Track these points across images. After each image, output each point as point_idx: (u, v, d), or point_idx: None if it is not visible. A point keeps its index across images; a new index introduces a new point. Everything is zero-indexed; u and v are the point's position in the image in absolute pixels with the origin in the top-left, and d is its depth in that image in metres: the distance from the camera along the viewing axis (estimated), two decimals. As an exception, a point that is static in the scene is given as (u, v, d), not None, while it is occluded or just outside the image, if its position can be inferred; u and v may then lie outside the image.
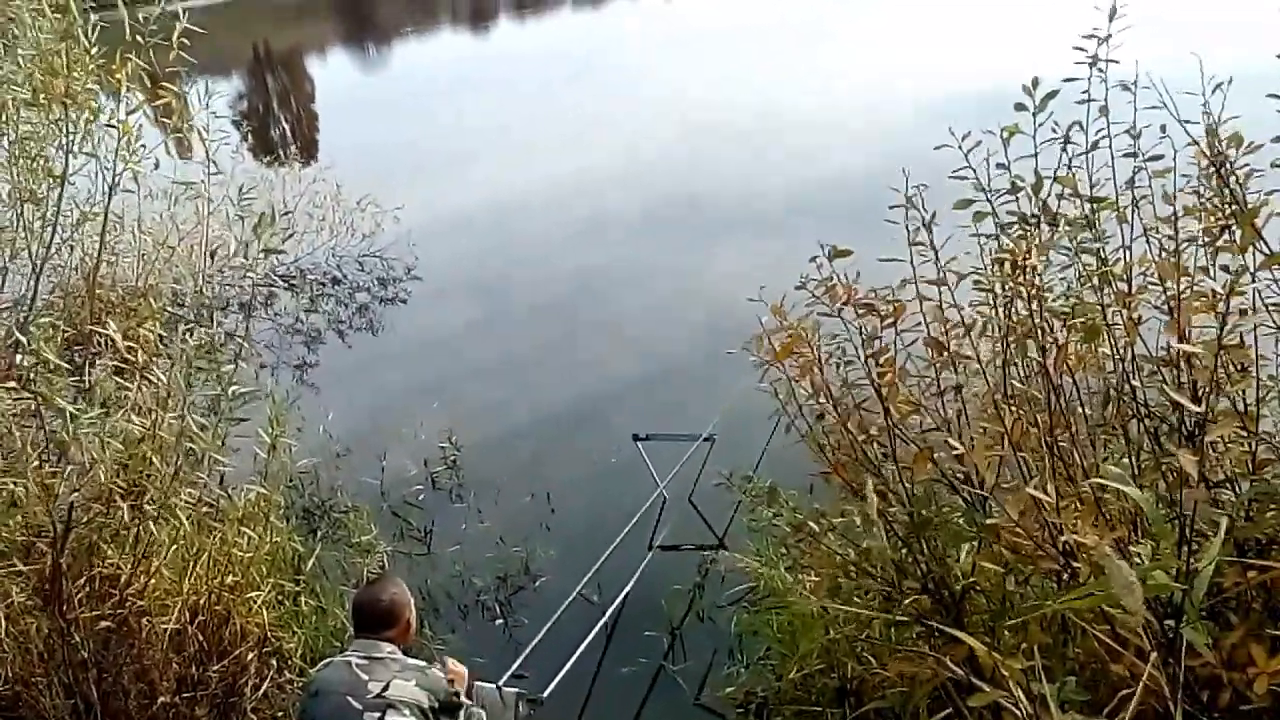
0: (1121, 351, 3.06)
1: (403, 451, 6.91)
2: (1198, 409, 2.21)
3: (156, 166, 5.19)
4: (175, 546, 4.36)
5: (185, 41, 4.68)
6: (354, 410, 7.66)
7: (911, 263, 3.10)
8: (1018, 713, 2.30)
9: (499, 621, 5.26)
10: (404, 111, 19.62)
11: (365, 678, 2.87)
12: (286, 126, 20.70)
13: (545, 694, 4.00)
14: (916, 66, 16.62)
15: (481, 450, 6.87)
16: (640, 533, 5.72)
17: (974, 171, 2.98)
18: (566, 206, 12.31)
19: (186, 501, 4.30)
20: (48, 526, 3.93)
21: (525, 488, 6.32)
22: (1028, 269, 2.56)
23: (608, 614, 4.81)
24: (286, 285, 10.31)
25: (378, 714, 2.80)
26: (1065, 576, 2.72)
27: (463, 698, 3.17)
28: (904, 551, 3.20)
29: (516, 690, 3.81)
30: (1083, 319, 2.82)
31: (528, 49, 26.10)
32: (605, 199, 12.61)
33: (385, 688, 2.84)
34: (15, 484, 3.89)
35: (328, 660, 3.09)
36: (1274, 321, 2.62)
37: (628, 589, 5.02)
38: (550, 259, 10.77)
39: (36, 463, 4.00)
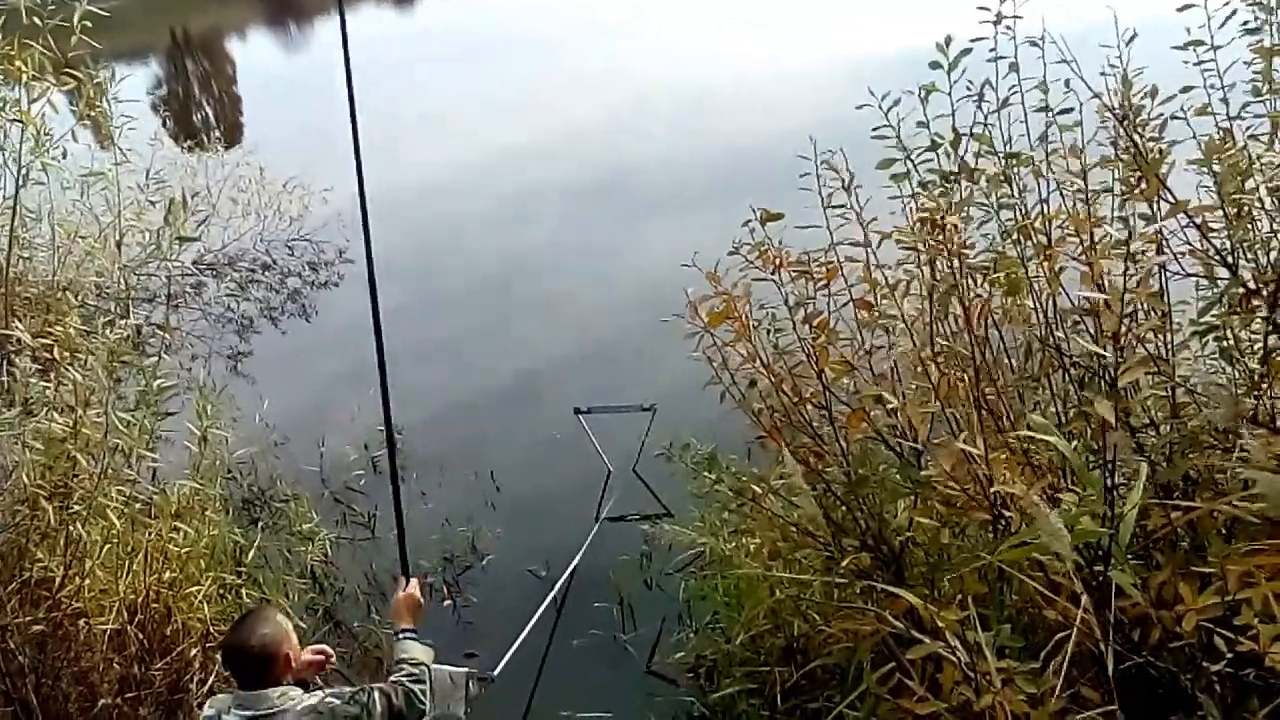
0: (1044, 304, 3.12)
1: (342, 436, 6.82)
2: (1108, 355, 2.25)
3: (65, 156, 5.01)
4: (108, 545, 4.26)
5: (88, 24, 4.52)
6: (290, 397, 7.54)
7: (828, 227, 3.11)
8: (956, 660, 2.35)
9: (446, 603, 5.23)
10: (329, 92, 19.20)
11: None
12: (208, 110, 20.21)
13: (496, 671, 4.00)
14: (839, 38, 16.65)
15: (423, 432, 6.81)
16: (586, 506, 5.74)
17: (894, 130, 2.99)
18: (497, 184, 12.18)
19: (117, 499, 4.20)
20: (-28, 533, 3.82)
21: (469, 467, 6.29)
22: (947, 227, 2.59)
23: (556, 588, 4.82)
24: (214, 273, 10.08)
25: None
26: (998, 526, 2.78)
27: (373, 694, 2.77)
28: (843, 510, 3.25)
29: (466, 670, 3.80)
30: (1005, 273, 2.86)
31: (456, 25, 25.68)
32: (536, 176, 12.49)
33: None
34: (-66, 491, 3.77)
35: (212, 716, 2.70)
36: (1182, 268, 2.68)
37: (575, 562, 5.03)
38: (483, 237, 10.69)
39: (-45, 468, 3.88)
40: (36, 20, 4.43)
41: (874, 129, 2.97)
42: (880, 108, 2.99)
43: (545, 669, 4.64)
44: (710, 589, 4.52)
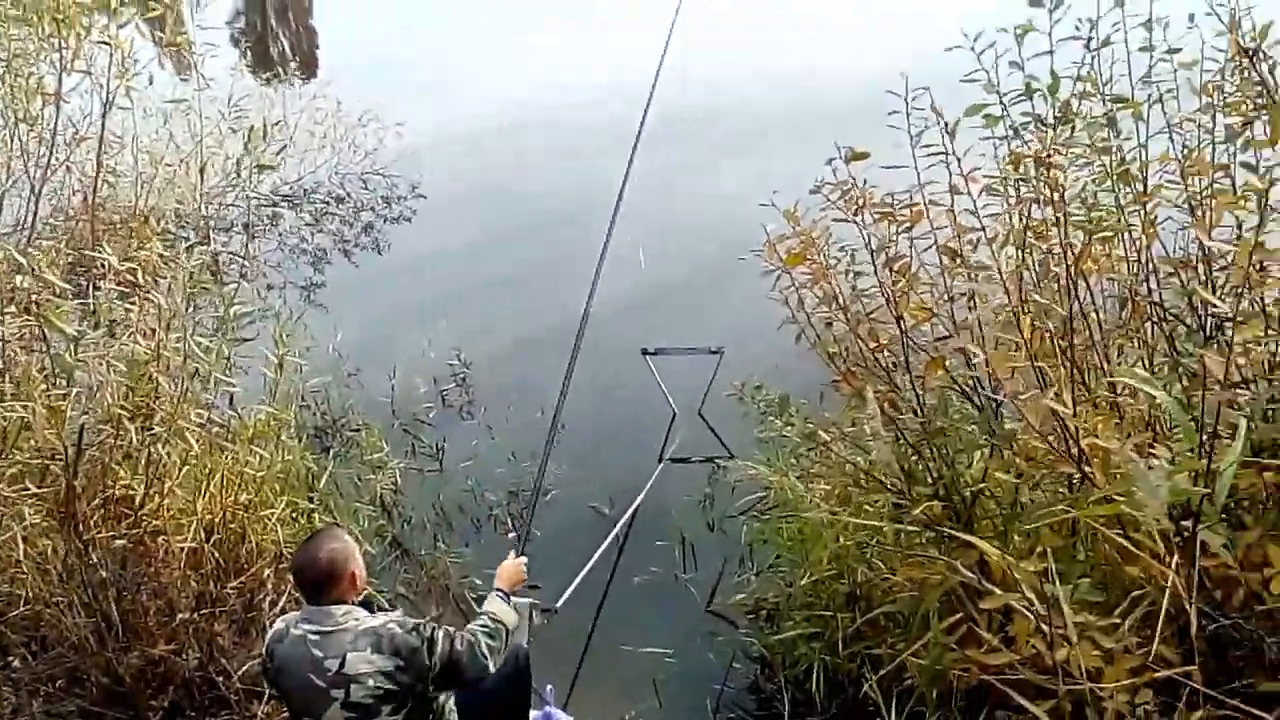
0: (1139, 253, 2.99)
1: (412, 369, 6.90)
2: (1224, 308, 2.15)
3: (151, 83, 5.07)
4: (187, 467, 4.37)
5: (171, -50, 4.53)
6: (363, 329, 7.63)
7: (916, 169, 3.00)
8: (1029, 615, 2.30)
9: (511, 535, 5.29)
10: (406, 27, 19.16)
11: (320, 654, 2.69)
12: (286, 43, 20.29)
13: (559, 604, 4.05)
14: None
15: (490, 367, 6.86)
16: (650, 446, 5.74)
17: (986, 74, 2.86)
18: (572, 119, 12.05)
19: (196, 422, 4.29)
20: (59, 450, 3.93)
21: (535, 404, 6.31)
22: (1051, 168, 2.47)
23: (619, 525, 4.85)
24: (290, 205, 10.18)
25: (341, 690, 2.66)
26: (1078, 480, 2.70)
27: (438, 631, 2.80)
28: (915, 458, 3.19)
29: (530, 600, 3.85)
30: (1100, 220, 2.74)
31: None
32: (610, 112, 12.36)
33: (341, 664, 2.66)
34: (24, 408, 3.88)
35: (282, 630, 2.81)
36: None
37: (638, 501, 5.04)
38: (556, 172, 10.59)
39: (44, 386, 4.00)
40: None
41: (966, 75, 2.84)
42: (973, 48, 2.86)
43: (606, 604, 4.69)
44: (774, 533, 4.50)
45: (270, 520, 4.55)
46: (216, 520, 4.39)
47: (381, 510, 5.44)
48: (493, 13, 19.14)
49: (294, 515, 4.79)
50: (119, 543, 4.11)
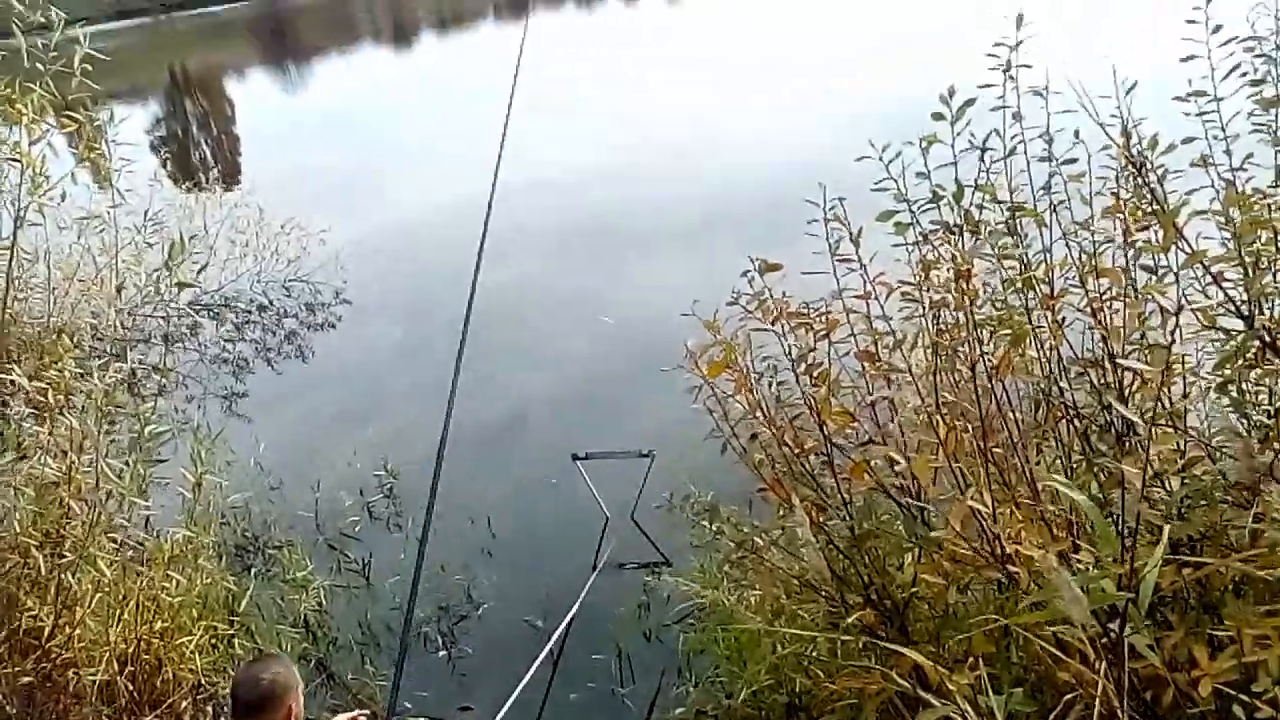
0: (1048, 354, 3.08)
1: (337, 481, 6.76)
2: (1136, 418, 2.21)
3: (64, 199, 4.98)
4: (99, 594, 4.19)
5: (88, 68, 4.51)
6: (286, 439, 7.47)
7: (835, 275, 3.08)
8: (966, 725, 2.28)
9: (442, 653, 5.14)
10: (326, 133, 19.32)
11: None
12: (207, 150, 20.30)
13: (493, 727, 3.92)
14: (843, 85, 16.80)
15: (417, 476, 6.74)
16: (583, 553, 5.67)
17: (895, 183, 2.98)
18: (491, 223, 12.16)
19: (109, 547, 4.13)
20: (-41, 581, 3.75)
21: (464, 513, 6.20)
22: (960, 276, 2.56)
23: (553, 640, 4.73)
24: (211, 314, 10.05)
25: None
26: (1008, 584, 2.73)
27: None
28: (845, 564, 3.19)
29: None
30: (1008, 324, 2.83)
31: (450, 68, 25.85)
32: (531, 215, 12.54)
33: None
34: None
35: None
36: (1197, 318, 2.65)
37: (572, 612, 4.94)
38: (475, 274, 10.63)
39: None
40: (39, 64, 4.42)
41: (875, 182, 2.95)
42: (881, 159, 2.97)
43: (542, 722, 4.56)
44: (710, 642, 4.44)
45: (188, 648, 4.37)
46: (130, 650, 4.20)
47: (306, 632, 5.24)
48: (414, 118, 19.41)
49: (213, 642, 4.61)
50: (25, 679, 3.90)
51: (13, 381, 4.33)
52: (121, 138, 5.66)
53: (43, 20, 4.66)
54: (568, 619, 4.90)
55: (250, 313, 10.12)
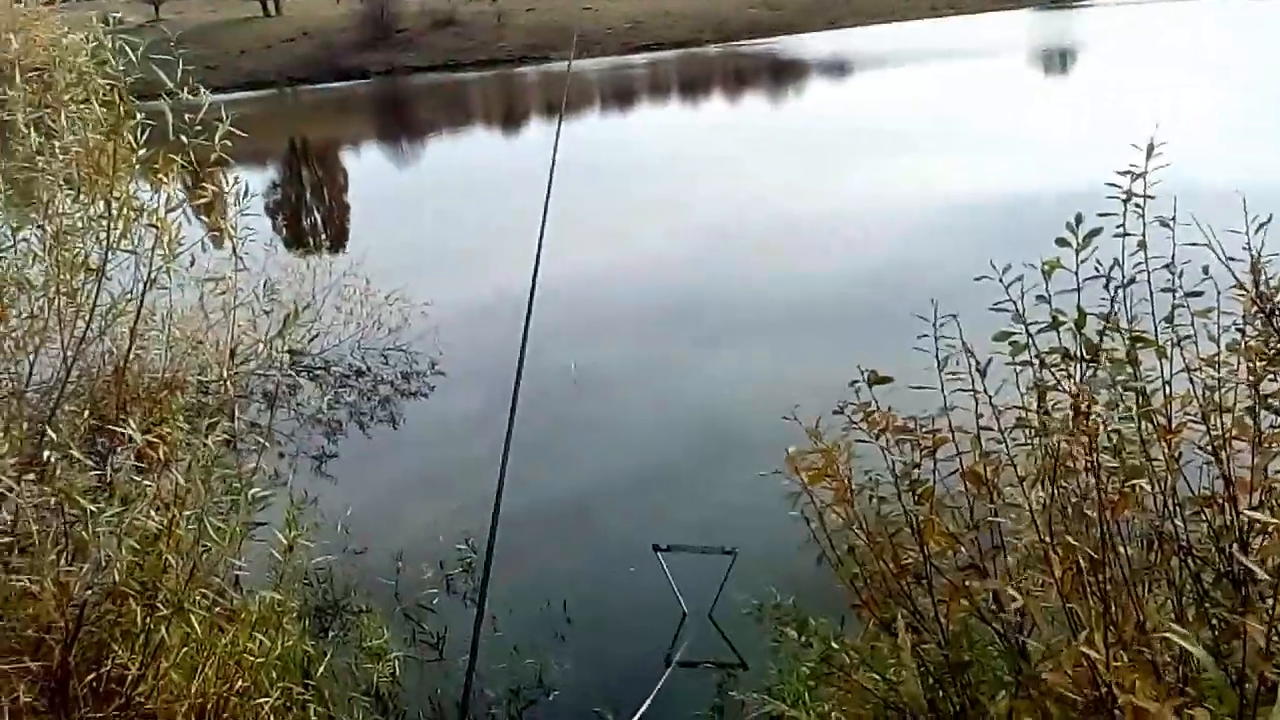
0: (1163, 490, 2.98)
1: (419, 550, 6.81)
2: (1265, 576, 2.12)
3: (192, 264, 5.24)
4: (186, 648, 4.26)
5: (228, 144, 4.78)
6: (372, 506, 7.58)
7: (943, 392, 3.05)
8: None
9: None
10: (436, 206, 19.98)
11: None
12: (319, 218, 21.12)
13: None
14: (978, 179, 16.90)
15: (499, 554, 6.74)
16: (657, 647, 5.58)
17: (1014, 303, 2.95)
18: (591, 302, 12.37)
19: (201, 603, 4.22)
20: (59, 622, 3.85)
21: (541, 595, 6.18)
22: (1079, 413, 2.51)
23: (624, 734, 4.65)
24: (310, 375, 10.35)
25: None
26: (1110, 729, 2.60)
27: None
28: (938, 690, 3.09)
29: None
30: (1127, 457, 2.76)
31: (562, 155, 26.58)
32: (632, 297, 12.74)
33: None
34: (31, 581, 3.83)
35: None
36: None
37: (644, 708, 4.85)
38: (574, 355, 10.77)
39: (53, 558, 3.95)
40: (182, 136, 4.69)
41: (994, 303, 2.93)
42: (1000, 280, 2.95)
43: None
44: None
45: (264, 710, 4.40)
46: (209, 706, 4.25)
47: (377, 701, 5.25)
48: (524, 198, 19.92)
49: (288, 705, 4.64)
50: (108, 724, 3.97)
51: (129, 437, 4.51)
52: (248, 208, 5.94)
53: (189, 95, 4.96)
54: (639, 715, 4.81)
55: (348, 377, 10.40)
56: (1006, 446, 2.90)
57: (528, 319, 3.92)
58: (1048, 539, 2.49)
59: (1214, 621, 2.73)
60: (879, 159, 20.19)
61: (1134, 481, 2.66)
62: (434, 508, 7.40)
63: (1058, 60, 36.37)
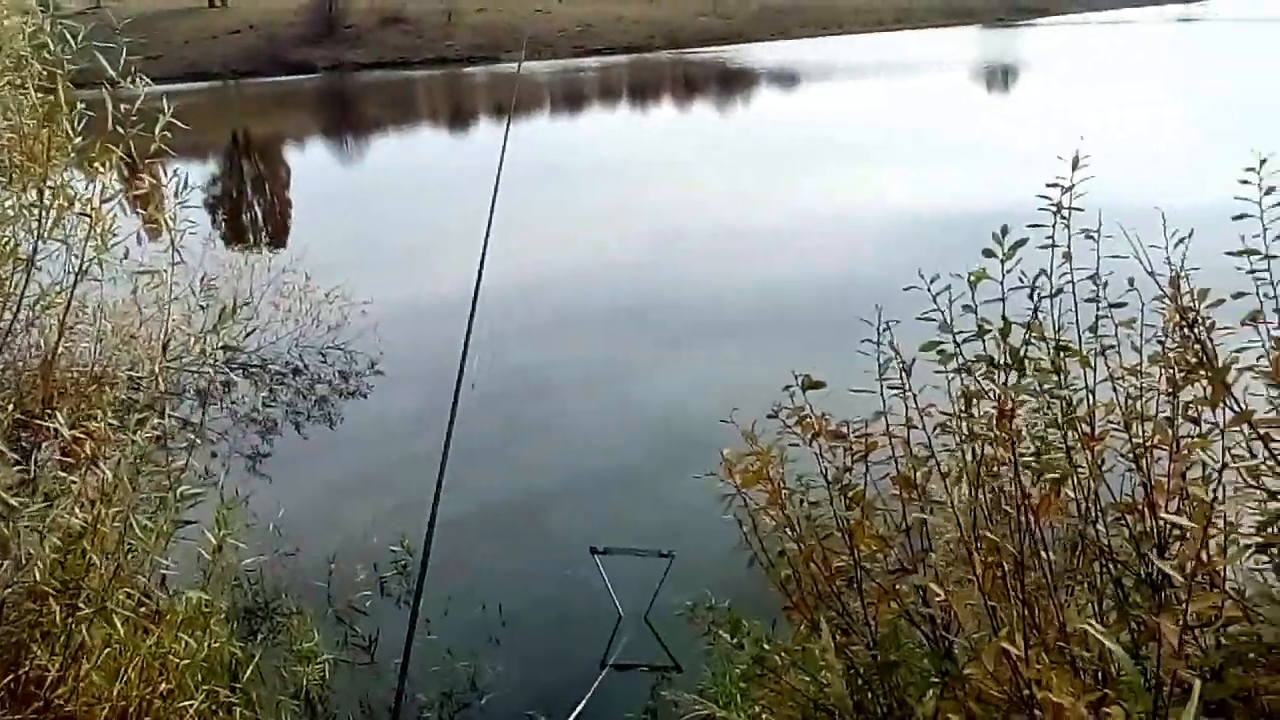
0: (1086, 496, 3.06)
1: (353, 551, 6.73)
2: (1175, 573, 2.19)
3: (126, 256, 5.11)
4: (108, 649, 4.16)
5: (168, 135, 4.68)
6: (306, 506, 7.47)
7: (882, 396, 3.10)
8: None
9: (443, 745, 5.05)
10: (378, 204, 19.76)
11: None
12: (259, 213, 20.78)
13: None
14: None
15: (435, 556, 6.68)
16: (592, 649, 5.58)
17: (942, 314, 3.00)
18: (536, 306, 12.33)
19: (125, 603, 4.12)
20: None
21: (477, 598, 6.15)
22: (1004, 415, 2.57)
23: (556, 739, 4.64)
24: (246, 373, 10.17)
25: None
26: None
27: None
28: (865, 691, 3.13)
29: None
30: (1050, 464, 2.82)
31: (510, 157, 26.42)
32: (575, 298, 12.72)
33: None
34: (-56, 580, 3.71)
35: None
36: (1242, 477, 2.63)
37: (578, 710, 4.84)
38: (511, 357, 10.72)
39: (-32, 555, 3.83)
40: (119, 127, 4.58)
41: (920, 313, 2.98)
42: (929, 290, 3.01)
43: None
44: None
45: (188, 713, 4.31)
46: (131, 709, 4.15)
47: (306, 705, 5.18)
48: (466, 196, 19.80)
49: (213, 708, 4.54)
50: (24, 727, 3.86)
51: (55, 430, 4.39)
52: (189, 202, 5.81)
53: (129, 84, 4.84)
54: (573, 717, 4.80)
55: (285, 375, 10.25)
56: (932, 451, 2.95)
57: (470, 321, 3.89)
58: (971, 535, 2.54)
59: (1133, 625, 2.81)
60: (829, 167, 20.50)
61: (1050, 477, 2.72)
62: (370, 509, 7.31)
63: (1000, 76, 37.24)
